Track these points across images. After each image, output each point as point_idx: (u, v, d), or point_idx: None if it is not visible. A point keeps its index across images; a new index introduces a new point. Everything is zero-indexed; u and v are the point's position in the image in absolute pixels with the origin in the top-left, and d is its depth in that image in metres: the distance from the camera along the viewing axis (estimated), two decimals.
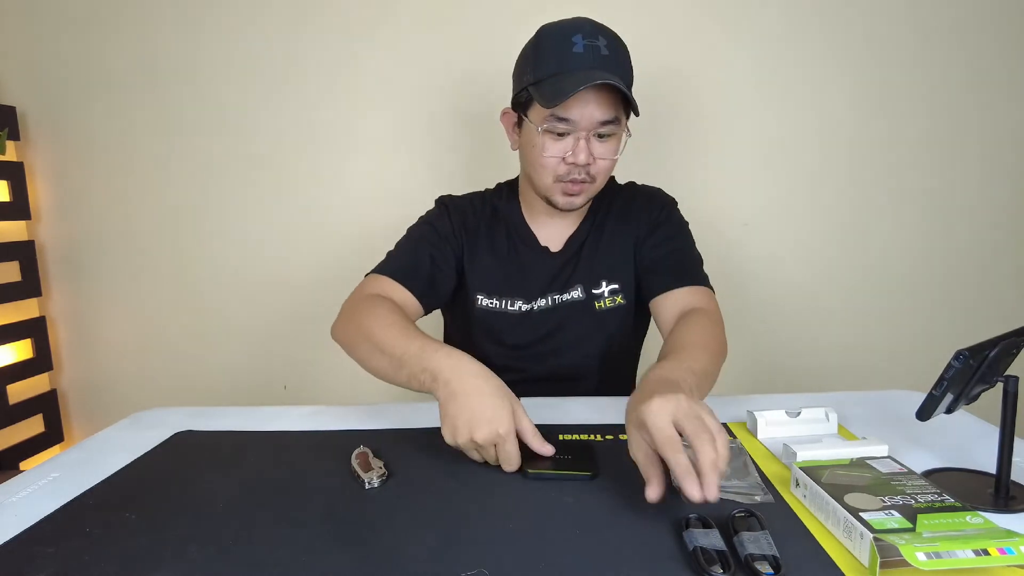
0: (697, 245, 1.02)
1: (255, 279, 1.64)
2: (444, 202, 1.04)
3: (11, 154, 1.58)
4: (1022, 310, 1.54)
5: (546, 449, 0.67)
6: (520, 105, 0.92)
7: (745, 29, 1.48)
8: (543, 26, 0.90)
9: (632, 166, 1.55)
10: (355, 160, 1.58)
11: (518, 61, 0.93)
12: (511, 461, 0.66)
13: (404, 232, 1.03)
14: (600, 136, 0.88)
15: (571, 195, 0.91)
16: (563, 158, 0.88)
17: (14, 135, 1.58)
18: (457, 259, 1.00)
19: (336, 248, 1.61)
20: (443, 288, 0.99)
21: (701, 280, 0.96)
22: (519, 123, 0.94)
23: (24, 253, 1.61)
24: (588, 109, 0.85)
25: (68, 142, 1.62)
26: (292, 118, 1.57)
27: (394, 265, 0.96)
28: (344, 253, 1.60)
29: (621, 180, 1.09)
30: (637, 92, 0.87)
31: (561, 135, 0.87)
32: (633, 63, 0.90)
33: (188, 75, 1.57)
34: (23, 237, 1.62)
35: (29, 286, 1.62)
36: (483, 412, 0.65)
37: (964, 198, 1.53)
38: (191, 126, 1.59)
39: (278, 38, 1.54)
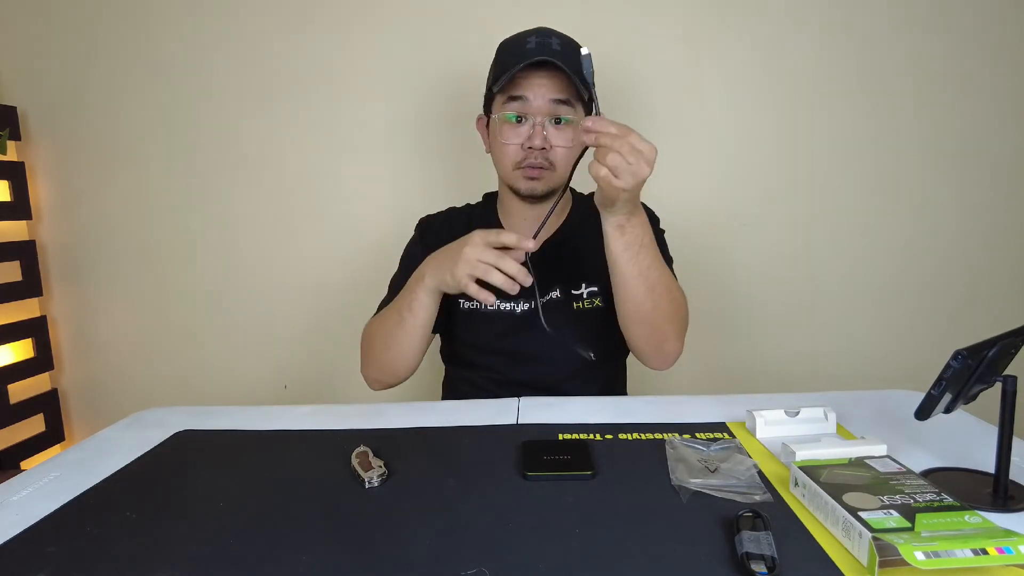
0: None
1: (255, 279, 1.64)
2: (421, 226, 1.12)
3: (12, 154, 1.58)
4: (1020, 310, 1.54)
5: (527, 244, 0.79)
6: (487, 108, 1.01)
7: (744, 28, 1.48)
8: (503, 41, 0.98)
9: None
10: (354, 160, 1.58)
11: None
12: (509, 266, 0.78)
13: (402, 228, 1.09)
14: (556, 122, 0.93)
15: (531, 179, 0.97)
16: (521, 144, 0.94)
17: (15, 135, 1.58)
18: None
19: (336, 248, 1.61)
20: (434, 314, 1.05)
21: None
22: (488, 124, 1.02)
23: (24, 253, 1.61)
24: (540, 85, 0.91)
25: (68, 142, 1.62)
26: (292, 119, 1.57)
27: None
28: (344, 253, 1.60)
29: None
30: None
31: (519, 120, 0.94)
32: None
33: (188, 75, 1.57)
34: (23, 237, 1.62)
35: (30, 286, 1.62)
36: (452, 248, 0.84)
37: (962, 198, 1.53)
38: (192, 126, 1.59)
39: (278, 38, 1.54)
